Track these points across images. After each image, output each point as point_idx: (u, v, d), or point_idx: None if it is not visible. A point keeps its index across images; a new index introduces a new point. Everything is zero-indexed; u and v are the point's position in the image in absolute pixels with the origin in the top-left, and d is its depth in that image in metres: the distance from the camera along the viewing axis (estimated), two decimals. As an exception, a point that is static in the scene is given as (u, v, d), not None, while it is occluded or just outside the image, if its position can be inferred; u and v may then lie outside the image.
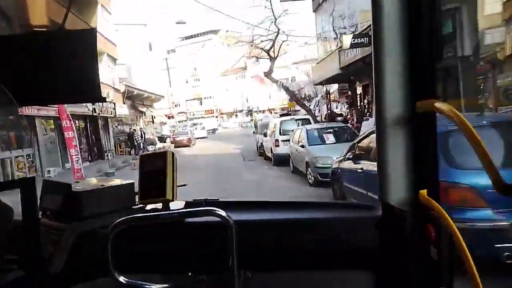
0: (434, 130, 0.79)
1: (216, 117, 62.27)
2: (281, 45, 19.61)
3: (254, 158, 15.70)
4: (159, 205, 1.08)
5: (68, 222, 1.16)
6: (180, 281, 1.08)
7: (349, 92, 17.93)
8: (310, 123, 12.25)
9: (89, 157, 17.39)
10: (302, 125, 11.92)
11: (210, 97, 66.09)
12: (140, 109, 26.53)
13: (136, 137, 20.42)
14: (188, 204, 1.16)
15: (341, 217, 1.13)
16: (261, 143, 15.47)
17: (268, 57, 19.60)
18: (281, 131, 12.35)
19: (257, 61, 21.26)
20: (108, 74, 19.65)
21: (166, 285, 1.02)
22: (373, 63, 0.82)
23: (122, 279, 0.97)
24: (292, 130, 12.12)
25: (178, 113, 66.45)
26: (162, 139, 29.09)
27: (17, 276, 1.09)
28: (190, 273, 1.07)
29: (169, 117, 35.40)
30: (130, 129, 21.91)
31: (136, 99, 25.63)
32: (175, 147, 24.63)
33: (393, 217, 0.86)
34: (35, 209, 1.13)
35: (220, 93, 65.07)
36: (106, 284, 1.01)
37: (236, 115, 63.48)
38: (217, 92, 65.13)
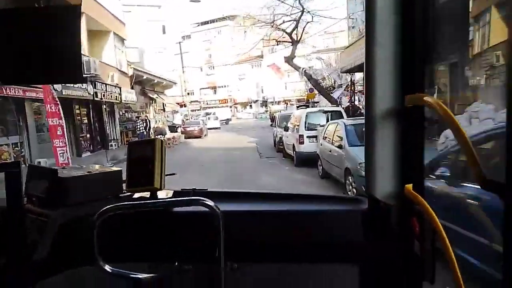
0: (422, 125, 0.79)
1: (230, 107, 60.49)
2: (304, 26, 17.46)
3: (272, 154, 13.83)
4: (146, 194, 1.09)
5: (53, 208, 1.13)
6: (166, 270, 1.07)
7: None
8: (342, 117, 10.23)
9: (91, 146, 15.86)
10: (332, 118, 9.93)
11: (225, 86, 64.35)
12: (150, 95, 24.91)
13: (138, 126, 18.61)
14: (176, 194, 1.17)
15: (328, 210, 1.11)
16: (280, 138, 13.58)
17: (290, 41, 17.51)
18: (307, 125, 10.39)
19: (277, 44, 19.13)
20: (113, 55, 17.95)
21: (152, 275, 0.99)
22: (365, 56, 0.81)
23: (107, 267, 0.95)
24: (319, 124, 10.16)
25: (191, 101, 65.13)
26: (173, 128, 27.55)
27: (2, 262, 1.05)
28: (176, 263, 1.05)
29: (181, 105, 33.76)
30: (137, 117, 20.22)
31: (146, 85, 24.00)
32: (185, 138, 22.98)
33: (378, 210, 0.87)
34: (19, 195, 1.11)
35: (235, 82, 63.22)
36: (92, 273, 0.98)
37: (250, 105, 61.63)
38: (232, 81, 63.30)
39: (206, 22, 65.79)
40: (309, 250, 1.05)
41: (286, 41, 18.07)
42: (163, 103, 28.24)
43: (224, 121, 41.10)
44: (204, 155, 15.11)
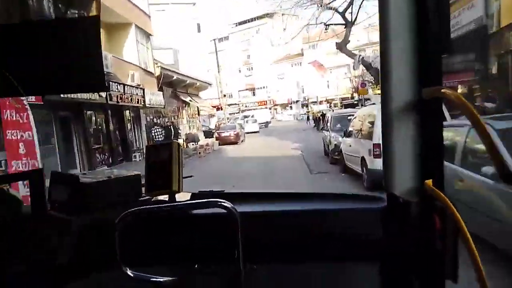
0: (440, 118, 0.79)
1: (269, 108, 57.55)
2: (361, 3, 13.80)
3: (325, 168, 10.45)
4: (165, 197, 1.07)
5: (75, 214, 1.15)
6: (187, 273, 1.07)
7: (476, 67, 11.49)
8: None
9: (110, 159, 13.59)
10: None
11: (264, 87, 61.59)
12: (183, 98, 22.61)
13: (153, 134, 15.80)
14: (194, 196, 1.17)
15: (347, 208, 1.09)
16: (335, 145, 10.19)
17: (343, 23, 13.94)
18: (385, 131, 6.89)
19: (326, 29, 15.60)
20: (135, 52, 15.63)
21: (173, 278, 0.99)
22: (379, 48, 0.80)
23: (129, 271, 0.96)
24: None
25: (230, 104, 63.27)
26: (208, 133, 25.14)
27: (24, 269, 1.07)
28: (197, 265, 1.06)
29: (218, 109, 31.34)
30: (155, 123, 17.63)
31: (177, 87, 21.72)
32: (220, 144, 20.27)
33: (398, 207, 0.86)
34: (43, 201, 1.15)
35: (274, 83, 60.20)
36: (114, 277, 1.00)
37: (290, 106, 58.09)
38: (271, 81, 60.40)
39: (244, 22, 63.46)
40: (328, 249, 1.03)
41: (338, 24, 14.52)
42: (197, 107, 25.89)
43: (264, 124, 38.35)
44: (239, 168, 12.11)
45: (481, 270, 0.59)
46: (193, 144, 18.68)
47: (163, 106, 17.96)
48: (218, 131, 21.27)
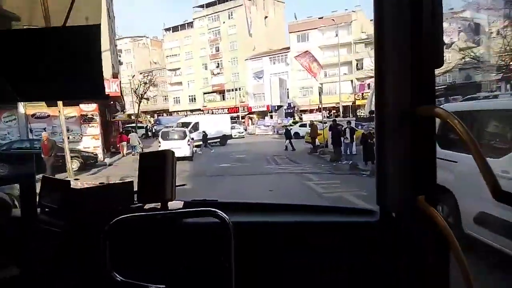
0: (433, 135, 0.76)
1: (243, 117, 38.96)
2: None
3: None
4: (157, 205, 1.04)
5: (66, 219, 1.11)
6: (177, 280, 1.03)
7: None
8: None
9: None
10: None
11: (237, 89, 42.93)
12: None
13: None
14: (186, 204, 1.14)
15: (340, 221, 1.06)
16: None
17: None
18: None
19: None
20: None
21: (163, 286, 0.95)
22: (374, 67, 0.79)
23: (119, 278, 0.93)
24: None
25: (192, 110, 44.62)
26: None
27: (13, 273, 1.03)
28: (188, 273, 1.03)
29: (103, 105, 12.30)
30: None
31: None
32: None
33: (390, 222, 0.83)
34: (33, 205, 1.12)
35: (250, 84, 41.84)
36: (103, 283, 0.96)
37: (271, 115, 39.52)
38: (246, 82, 42.01)
39: (213, 3, 45.26)
40: (320, 260, 1.00)
41: None
42: None
43: (218, 140, 19.65)
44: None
45: (471, 284, 0.56)
46: None
47: None
48: None
